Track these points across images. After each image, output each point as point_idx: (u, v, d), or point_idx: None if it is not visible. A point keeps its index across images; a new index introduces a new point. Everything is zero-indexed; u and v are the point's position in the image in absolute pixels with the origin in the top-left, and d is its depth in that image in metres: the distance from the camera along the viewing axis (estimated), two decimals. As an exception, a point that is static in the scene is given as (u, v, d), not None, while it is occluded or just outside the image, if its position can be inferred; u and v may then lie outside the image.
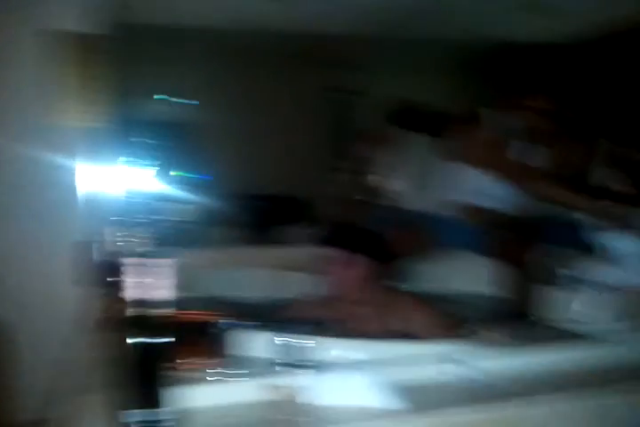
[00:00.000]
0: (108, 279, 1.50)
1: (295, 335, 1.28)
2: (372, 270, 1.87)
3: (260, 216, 3.72)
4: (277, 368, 1.24)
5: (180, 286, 2.12)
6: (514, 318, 2.20)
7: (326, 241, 1.99)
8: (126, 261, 1.18)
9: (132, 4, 3.26)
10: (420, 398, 1.19)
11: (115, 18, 2.53)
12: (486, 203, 2.61)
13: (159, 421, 1.08)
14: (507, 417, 1.16)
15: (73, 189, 2.35)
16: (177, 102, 5.24)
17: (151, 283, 1.16)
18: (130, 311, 1.13)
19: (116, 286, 1.21)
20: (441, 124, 3.15)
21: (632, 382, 1.33)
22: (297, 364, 1.24)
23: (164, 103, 5.24)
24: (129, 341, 1.10)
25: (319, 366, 1.20)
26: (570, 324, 1.80)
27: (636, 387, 1.31)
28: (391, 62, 5.11)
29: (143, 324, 1.12)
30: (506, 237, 2.36)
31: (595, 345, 1.52)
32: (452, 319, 1.90)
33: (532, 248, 2.37)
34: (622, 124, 2.92)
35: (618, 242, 2.26)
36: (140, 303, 1.14)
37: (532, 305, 2.19)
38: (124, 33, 2.52)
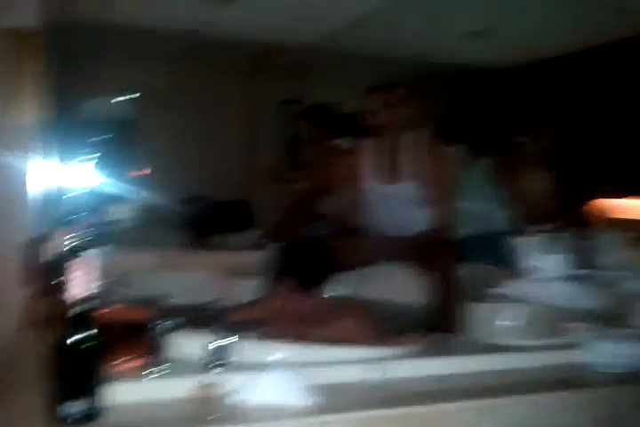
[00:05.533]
0: (52, 279, 1.56)
1: (228, 338, 1.38)
2: (307, 281, 1.96)
3: (208, 221, 3.77)
4: (208, 368, 1.34)
5: (122, 286, 2.18)
6: (437, 331, 2.32)
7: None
8: (68, 260, 1.24)
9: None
10: (337, 397, 1.30)
11: (56, 14, 2.45)
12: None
13: (92, 413, 1.16)
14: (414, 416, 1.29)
15: (22, 188, 2.35)
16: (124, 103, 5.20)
17: (91, 282, 1.23)
18: (70, 310, 1.20)
19: (59, 286, 1.27)
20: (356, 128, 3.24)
21: (544, 393, 1.45)
22: (226, 364, 1.34)
23: (113, 103, 5.20)
24: (68, 339, 1.16)
25: (247, 367, 1.30)
26: (492, 339, 1.88)
27: (548, 398, 1.43)
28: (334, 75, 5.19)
29: (82, 322, 1.19)
30: (436, 254, 2.47)
31: (513, 356, 1.64)
32: (380, 327, 2.00)
33: (459, 265, 2.49)
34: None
35: (543, 262, 2.40)
36: (80, 302, 1.20)
37: (458, 320, 2.31)
38: (66, 30, 2.44)
